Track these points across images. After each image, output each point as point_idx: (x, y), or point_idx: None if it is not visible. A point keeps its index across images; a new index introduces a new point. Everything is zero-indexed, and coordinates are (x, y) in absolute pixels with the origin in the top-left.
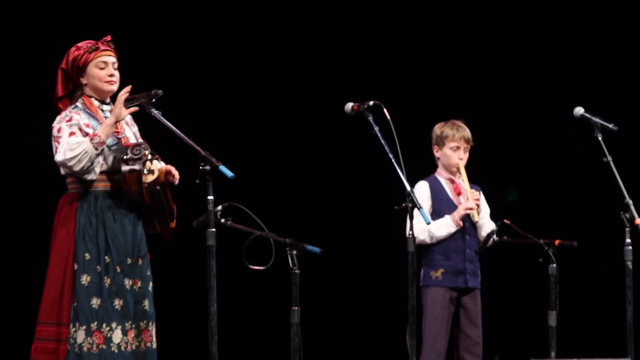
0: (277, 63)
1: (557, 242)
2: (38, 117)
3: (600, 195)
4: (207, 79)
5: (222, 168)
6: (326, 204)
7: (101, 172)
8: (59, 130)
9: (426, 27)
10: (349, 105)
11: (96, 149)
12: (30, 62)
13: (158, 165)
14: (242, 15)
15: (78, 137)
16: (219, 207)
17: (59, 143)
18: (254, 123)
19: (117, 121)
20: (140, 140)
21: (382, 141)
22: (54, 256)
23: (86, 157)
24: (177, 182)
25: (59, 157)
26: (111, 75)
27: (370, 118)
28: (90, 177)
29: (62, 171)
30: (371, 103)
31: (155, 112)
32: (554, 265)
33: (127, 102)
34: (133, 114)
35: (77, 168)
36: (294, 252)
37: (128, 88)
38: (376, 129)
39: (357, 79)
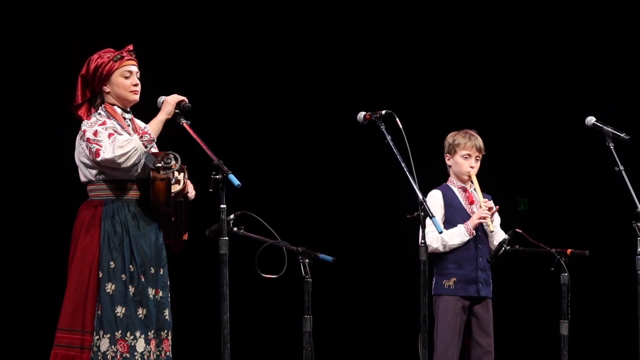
0: (290, 72)
1: (569, 251)
2: (58, 122)
3: (611, 204)
4: (219, 86)
5: (231, 177)
6: (338, 213)
7: (129, 181)
8: (95, 134)
9: (437, 36)
10: (361, 115)
11: (145, 147)
12: (56, 68)
13: (183, 176)
14: (252, 21)
15: (124, 135)
16: (232, 216)
17: (99, 145)
18: (267, 131)
19: (167, 118)
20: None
21: (395, 150)
22: (77, 263)
23: (136, 155)
24: (192, 196)
25: (106, 155)
26: (136, 85)
27: (383, 127)
28: (133, 174)
29: (84, 177)
30: (383, 112)
31: (184, 122)
32: (566, 274)
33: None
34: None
35: (126, 165)
36: (307, 260)
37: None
38: (388, 138)
39: (370, 87)
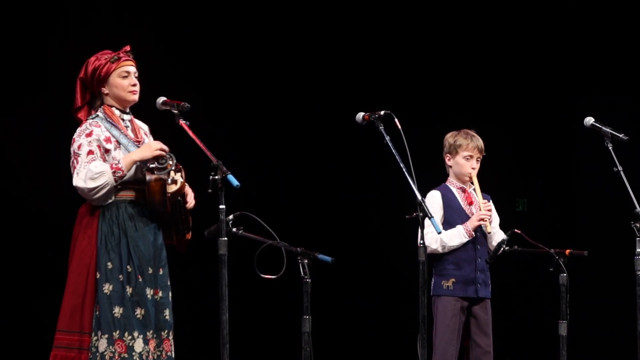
0: (290, 72)
1: (567, 251)
2: (57, 124)
3: (610, 204)
4: (218, 87)
5: (230, 177)
6: (338, 213)
7: (124, 182)
8: (79, 147)
9: (437, 36)
10: (360, 115)
11: (116, 182)
12: (50, 71)
13: (180, 175)
14: (252, 21)
15: (99, 165)
16: (231, 216)
17: (77, 162)
18: (267, 131)
19: (140, 160)
20: None
21: (393, 151)
22: (75, 265)
23: (106, 188)
24: (191, 206)
25: (78, 183)
26: (134, 85)
27: (381, 127)
28: (104, 203)
29: None
30: (382, 113)
31: (183, 122)
32: (565, 274)
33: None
34: (152, 124)
35: (95, 197)
36: (306, 261)
37: (167, 148)
38: (387, 138)
39: (369, 88)
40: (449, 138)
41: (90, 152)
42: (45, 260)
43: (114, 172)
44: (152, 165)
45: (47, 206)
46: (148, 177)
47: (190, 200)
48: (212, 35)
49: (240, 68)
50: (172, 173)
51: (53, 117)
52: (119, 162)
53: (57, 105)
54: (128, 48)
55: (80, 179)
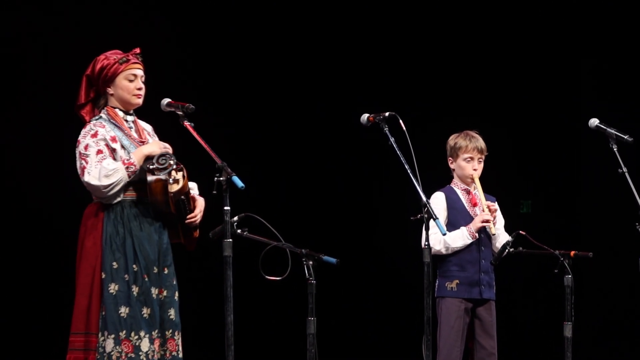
0: (290, 73)
1: (572, 253)
2: (58, 124)
3: (615, 206)
4: (218, 87)
5: (234, 178)
6: (342, 214)
7: (128, 182)
8: (85, 148)
9: (441, 37)
10: (365, 117)
11: (129, 177)
12: (50, 71)
13: (182, 175)
14: (252, 21)
15: (111, 162)
16: (236, 218)
17: (86, 162)
18: (269, 132)
19: (149, 155)
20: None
21: (398, 152)
22: (82, 266)
23: (120, 185)
24: (193, 221)
25: (92, 180)
26: (139, 89)
27: (386, 129)
28: (114, 201)
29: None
30: (387, 114)
31: (188, 124)
32: (570, 276)
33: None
34: (156, 126)
35: (110, 193)
36: (310, 262)
37: (170, 149)
38: (392, 139)
39: (369, 88)
40: (450, 141)
41: (99, 152)
42: (45, 260)
43: (126, 168)
44: (152, 167)
45: (47, 206)
46: (149, 178)
47: (197, 213)
48: (213, 35)
49: (240, 68)
50: (173, 172)
51: (54, 117)
52: (130, 157)
53: (58, 105)
54: (138, 50)
55: (94, 177)
